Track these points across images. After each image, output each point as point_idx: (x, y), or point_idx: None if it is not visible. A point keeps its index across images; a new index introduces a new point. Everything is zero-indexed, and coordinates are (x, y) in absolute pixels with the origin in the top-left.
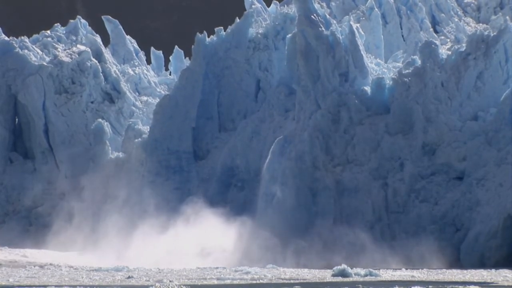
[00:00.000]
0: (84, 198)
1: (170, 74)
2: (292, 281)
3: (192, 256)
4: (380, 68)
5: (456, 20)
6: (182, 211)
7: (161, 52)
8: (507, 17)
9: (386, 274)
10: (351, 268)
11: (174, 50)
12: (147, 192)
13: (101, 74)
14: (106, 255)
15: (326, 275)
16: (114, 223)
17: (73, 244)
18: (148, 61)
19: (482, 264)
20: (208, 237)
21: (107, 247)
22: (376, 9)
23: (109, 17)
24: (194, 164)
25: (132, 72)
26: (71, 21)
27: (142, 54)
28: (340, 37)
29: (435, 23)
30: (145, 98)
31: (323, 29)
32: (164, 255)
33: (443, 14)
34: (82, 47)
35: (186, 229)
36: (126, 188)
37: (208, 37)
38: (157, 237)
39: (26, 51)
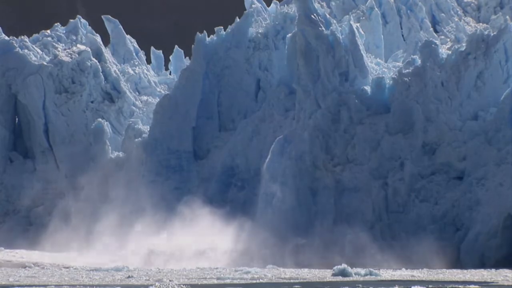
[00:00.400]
0: (84, 198)
1: (170, 74)
2: (292, 281)
3: (188, 256)
4: (380, 68)
5: (456, 19)
6: (181, 211)
7: (161, 51)
8: (507, 17)
9: (386, 274)
10: (351, 268)
11: (174, 50)
12: (147, 192)
13: (101, 73)
14: (100, 255)
15: (326, 274)
16: (112, 223)
17: (72, 244)
18: (148, 61)
19: (482, 264)
20: (205, 237)
21: (103, 247)
22: (376, 8)
23: (109, 16)
24: (194, 163)
25: (132, 72)
26: (71, 20)
27: (142, 53)
28: (340, 37)
29: (435, 22)
30: (145, 97)
31: (323, 28)
32: (159, 255)
33: (443, 14)
34: (82, 47)
35: (183, 228)
36: (126, 187)
37: (208, 36)
38: (152, 236)
39: (26, 50)
